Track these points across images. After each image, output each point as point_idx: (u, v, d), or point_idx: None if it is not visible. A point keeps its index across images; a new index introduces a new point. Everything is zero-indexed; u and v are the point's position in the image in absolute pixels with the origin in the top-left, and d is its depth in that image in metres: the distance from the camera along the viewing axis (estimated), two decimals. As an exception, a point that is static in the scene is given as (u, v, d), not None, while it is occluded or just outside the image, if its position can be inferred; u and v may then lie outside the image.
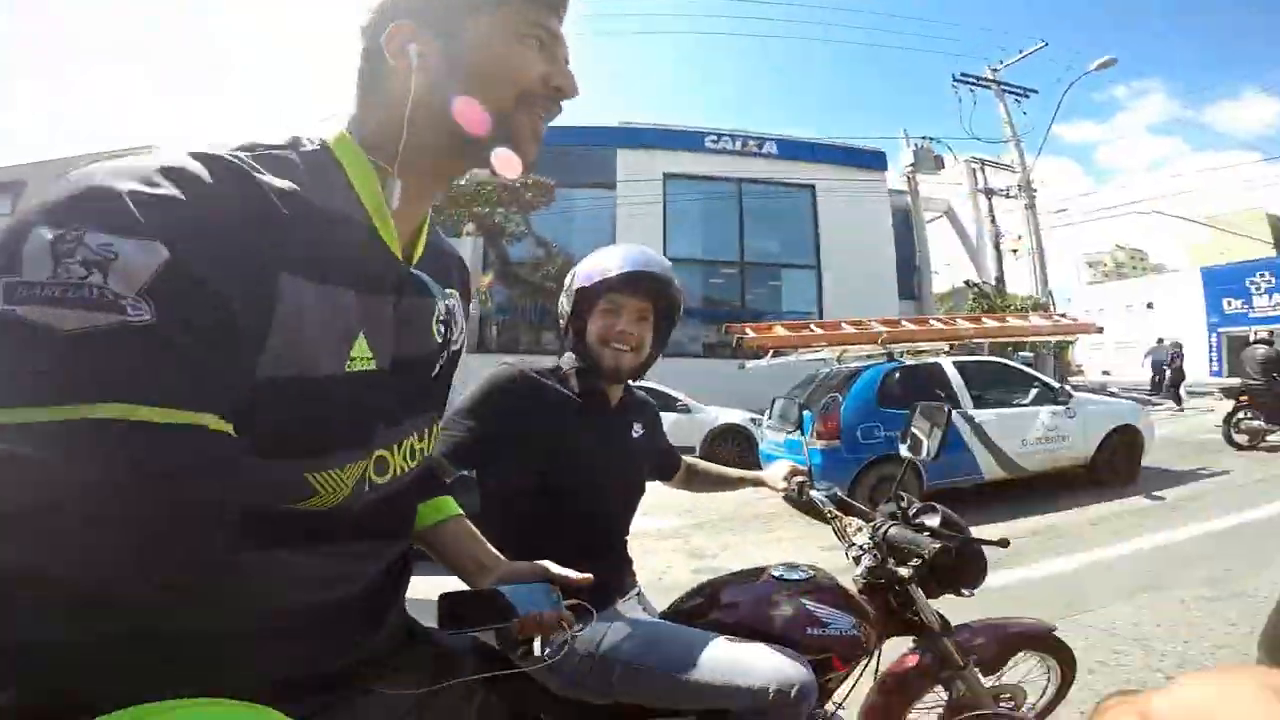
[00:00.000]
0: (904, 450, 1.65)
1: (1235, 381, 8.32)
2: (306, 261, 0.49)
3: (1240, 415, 7.40)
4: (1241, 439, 7.36)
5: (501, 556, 0.90)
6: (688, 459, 1.69)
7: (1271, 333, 8.33)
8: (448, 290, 0.70)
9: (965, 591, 1.50)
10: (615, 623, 1.21)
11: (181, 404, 0.40)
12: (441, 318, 0.67)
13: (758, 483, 1.67)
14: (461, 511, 0.93)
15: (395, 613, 0.71)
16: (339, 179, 0.56)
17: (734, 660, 1.16)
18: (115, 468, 0.39)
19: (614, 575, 1.34)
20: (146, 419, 0.38)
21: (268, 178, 0.48)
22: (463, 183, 12.32)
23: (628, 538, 1.41)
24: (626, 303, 1.27)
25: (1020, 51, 17.27)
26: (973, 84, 17.25)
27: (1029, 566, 3.90)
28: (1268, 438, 7.32)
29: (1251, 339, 8.93)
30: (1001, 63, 17.39)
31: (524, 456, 1.24)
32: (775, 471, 1.63)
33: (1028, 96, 17.37)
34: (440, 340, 0.68)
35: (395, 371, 0.59)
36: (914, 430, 1.63)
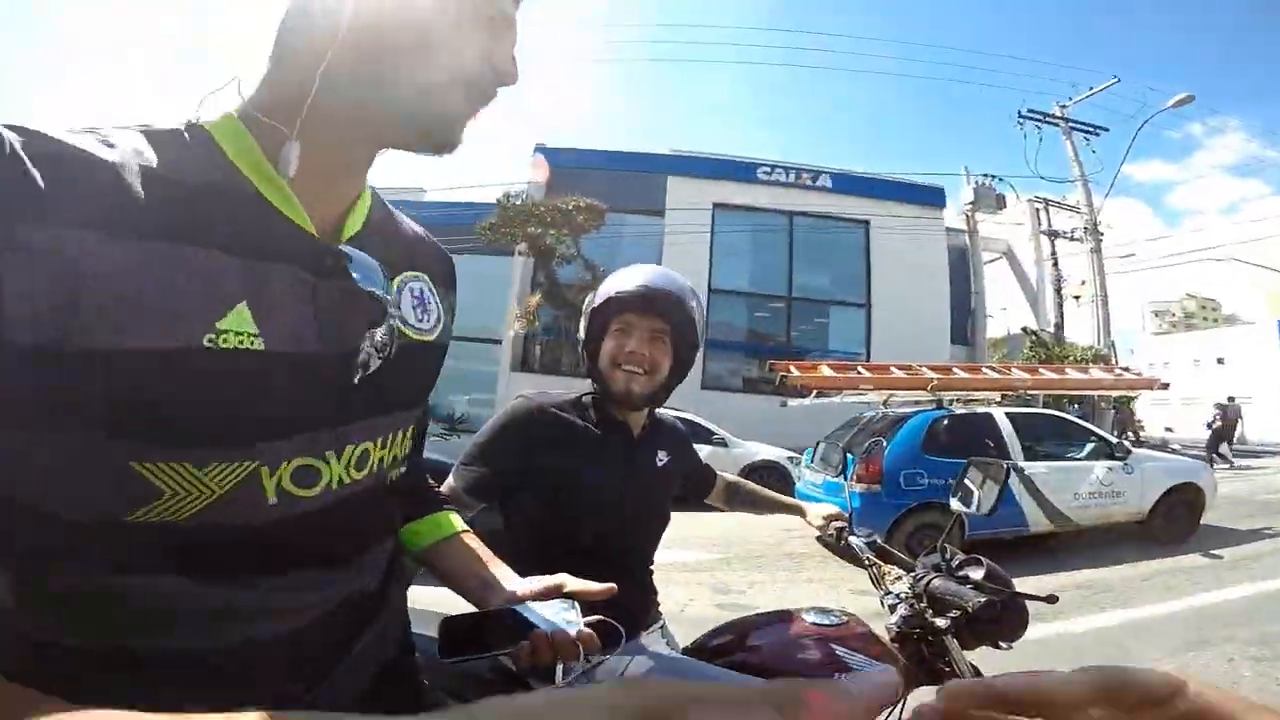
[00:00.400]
0: (955, 503, 1.62)
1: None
2: (94, 217, 0.40)
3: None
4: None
5: (513, 573, 0.79)
6: (729, 477, 1.67)
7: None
8: (411, 274, 0.62)
9: (1004, 645, 1.47)
10: (638, 655, 1.20)
11: None
12: (397, 304, 0.59)
13: (798, 512, 1.65)
14: (464, 526, 0.84)
15: (365, 650, 0.60)
16: (214, 152, 0.49)
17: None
18: None
19: (638, 606, 1.33)
20: None
21: (97, 148, 0.43)
22: (518, 202, 12.71)
23: (652, 568, 1.39)
24: (638, 323, 1.23)
25: (1090, 88, 16.79)
26: (1040, 121, 16.77)
27: (1070, 620, 3.77)
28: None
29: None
30: (1070, 99, 16.91)
31: (542, 490, 1.23)
32: (816, 510, 1.63)
33: (1097, 134, 16.81)
34: (396, 329, 0.58)
35: (325, 363, 0.51)
36: (966, 483, 1.62)
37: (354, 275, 0.53)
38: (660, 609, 1.39)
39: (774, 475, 8.03)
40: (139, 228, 0.42)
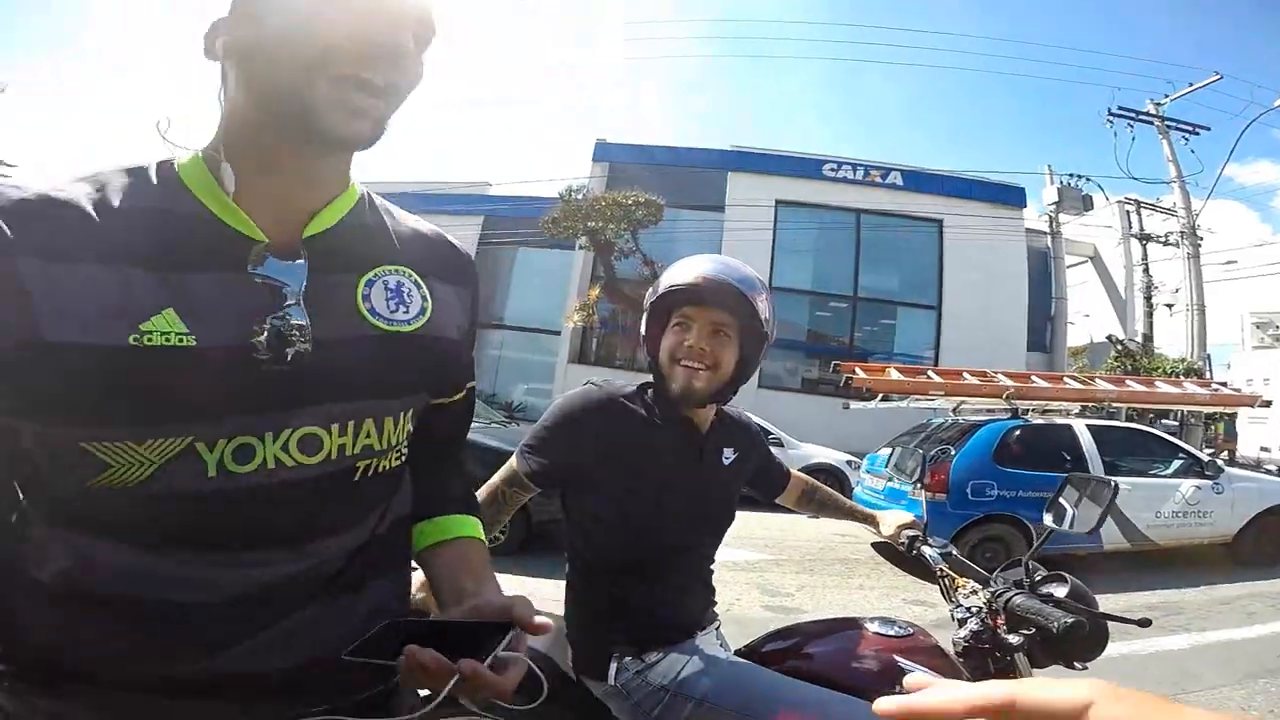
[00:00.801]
0: (1047, 519, 1.58)
1: None
2: (42, 248, 0.51)
3: None
4: None
5: (497, 588, 0.71)
6: (803, 476, 1.63)
7: None
8: (389, 268, 0.66)
9: (1078, 665, 1.41)
10: (693, 657, 1.17)
11: None
12: (365, 296, 0.63)
13: (871, 520, 1.61)
14: (473, 533, 0.79)
15: (298, 628, 0.62)
16: (172, 181, 0.58)
17: (820, 713, 1.10)
18: None
19: (696, 606, 1.30)
20: None
21: (63, 192, 0.54)
22: (579, 197, 12.89)
23: (713, 568, 1.36)
24: (698, 316, 1.17)
25: (1190, 84, 15.62)
26: (1132, 118, 15.76)
27: (1141, 640, 3.58)
28: None
29: None
30: (1167, 96, 15.81)
31: (604, 484, 1.20)
32: (889, 518, 1.59)
33: (1197, 134, 15.62)
34: (363, 318, 0.62)
35: (257, 352, 0.56)
36: (1061, 501, 1.57)
37: (322, 273, 0.60)
38: (716, 609, 1.37)
39: (829, 479, 7.87)
40: (72, 254, 0.52)
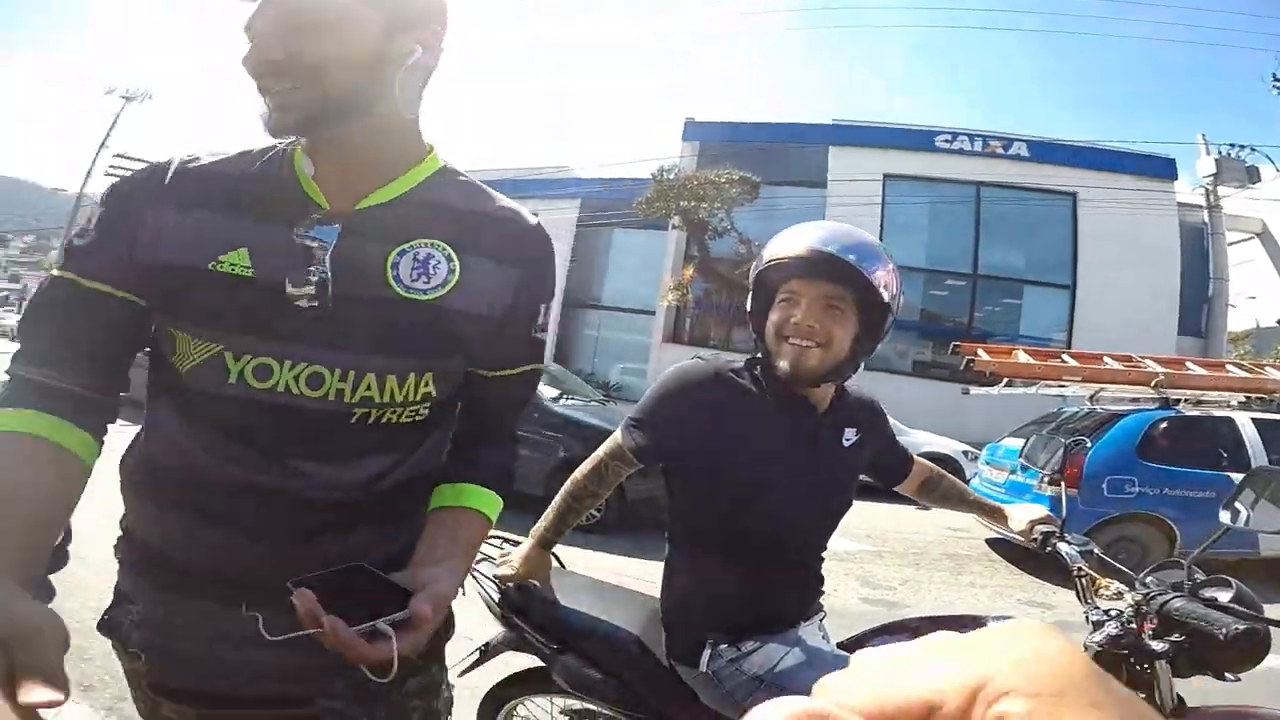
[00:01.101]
0: (1224, 517, 1.47)
1: None
2: (181, 198, 0.72)
3: None
4: None
5: (449, 570, 0.71)
6: (927, 464, 1.56)
7: None
8: (422, 242, 0.74)
9: (1230, 676, 1.36)
10: (794, 649, 1.14)
11: (88, 276, 0.70)
12: (395, 265, 0.73)
13: (998, 515, 1.51)
14: (480, 507, 0.80)
15: (301, 554, 0.72)
16: (286, 159, 0.75)
17: None
18: (64, 303, 0.71)
19: (801, 597, 1.26)
20: (73, 279, 0.70)
21: (186, 161, 0.74)
22: (671, 177, 12.98)
23: (823, 555, 1.30)
24: (806, 290, 1.10)
25: None
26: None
27: None
28: None
29: None
30: None
31: (709, 464, 1.16)
32: (1020, 513, 1.48)
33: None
34: (387, 284, 0.72)
35: (290, 295, 0.69)
36: (1238, 501, 1.46)
37: (358, 239, 0.72)
38: (822, 600, 1.32)
39: (945, 469, 7.48)
40: (195, 203, 0.72)
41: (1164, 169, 13.70)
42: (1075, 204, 13.44)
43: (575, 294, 16.07)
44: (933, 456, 7.49)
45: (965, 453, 7.43)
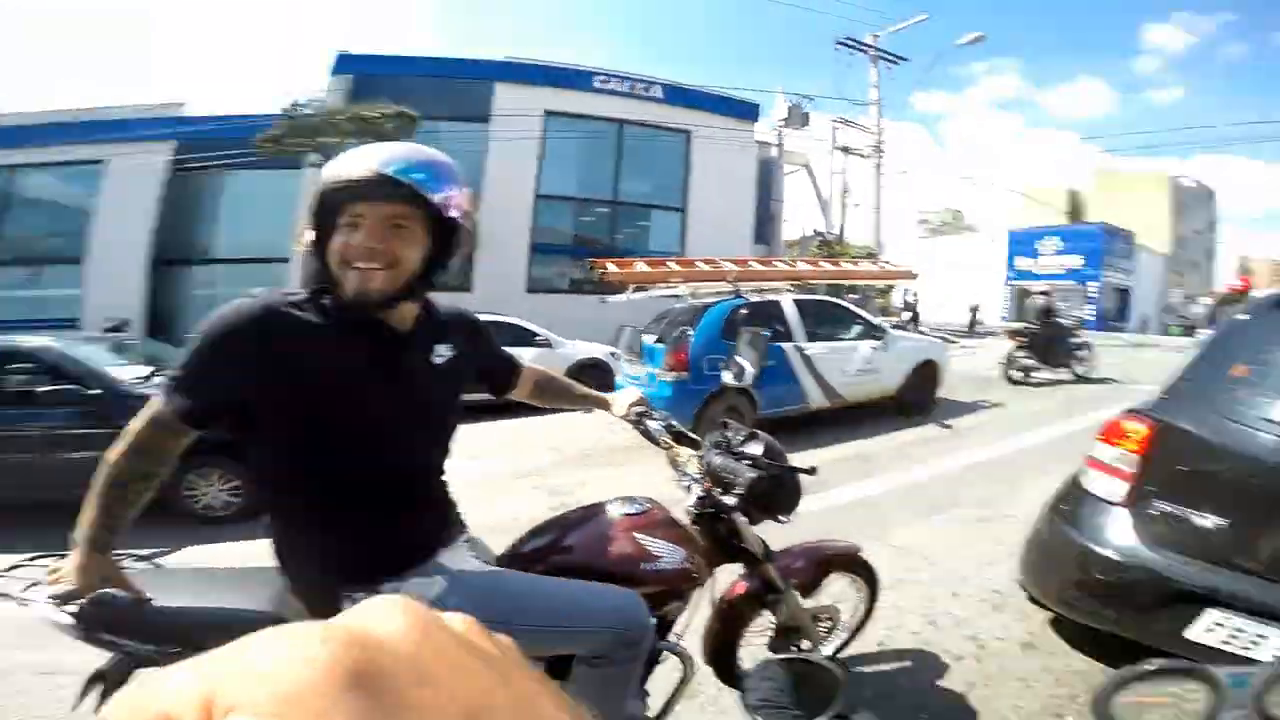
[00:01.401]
0: (726, 377, 1.66)
1: (1015, 325, 9.90)
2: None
3: (1016, 355, 8.76)
4: (1016, 375, 8.71)
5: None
6: (538, 369, 1.55)
7: (1049, 288, 9.87)
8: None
9: (781, 519, 1.51)
10: (438, 576, 1.12)
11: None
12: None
13: (602, 404, 1.59)
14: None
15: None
16: None
17: (572, 606, 1.16)
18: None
19: (431, 525, 1.19)
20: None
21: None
22: (309, 112, 11.73)
23: (444, 479, 1.24)
24: (370, 211, 1.01)
25: (903, 20, 18.21)
26: (853, 49, 18.09)
27: (838, 490, 4.17)
28: (1036, 374, 8.77)
29: (1032, 291, 10.51)
30: (883, 30, 18.30)
31: (287, 411, 1.03)
32: (621, 398, 1.57)
33: (897, 64, 18.44)
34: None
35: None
36: (738, 358, 1.65)
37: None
38: (462, 521, 1.27)
39: (596, 372, 8.31)
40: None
41: (749, 113, 16.78)
42: (689, 140, 15.78)
43: (174, 250, 13.35)
44: (588, 362, 8.34)
45: (612, 354, 8.27)
